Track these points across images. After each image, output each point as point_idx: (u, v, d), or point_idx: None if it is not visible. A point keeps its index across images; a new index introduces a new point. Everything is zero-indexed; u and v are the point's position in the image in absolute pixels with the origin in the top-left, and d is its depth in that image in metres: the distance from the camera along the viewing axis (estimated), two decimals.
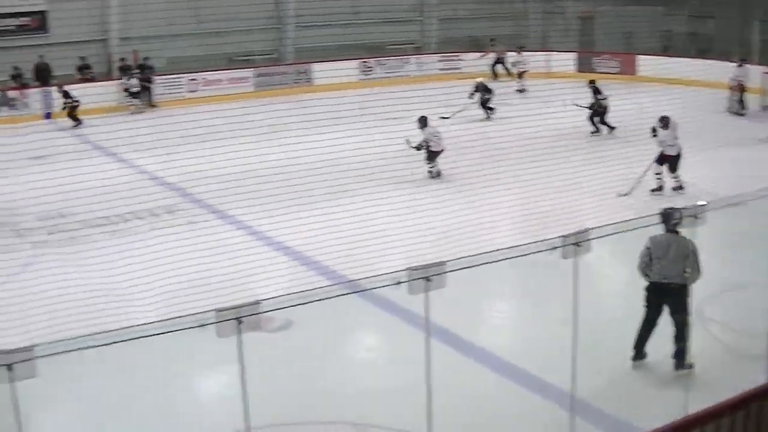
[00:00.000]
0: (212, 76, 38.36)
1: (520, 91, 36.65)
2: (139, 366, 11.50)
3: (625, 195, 20.23)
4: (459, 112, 29.15)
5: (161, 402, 11.64)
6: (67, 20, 34.69)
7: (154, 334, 8.89)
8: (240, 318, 8.38)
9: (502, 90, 33.80)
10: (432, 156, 22.93)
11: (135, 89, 35.55)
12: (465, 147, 22.40)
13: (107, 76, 37.57)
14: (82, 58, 37.04)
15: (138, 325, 11.74)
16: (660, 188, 20.84)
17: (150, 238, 16.91)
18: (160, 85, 37.17)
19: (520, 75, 37.78)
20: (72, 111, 32.84)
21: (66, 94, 32.86)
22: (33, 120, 32.64)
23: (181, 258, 15.08)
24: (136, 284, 14.61)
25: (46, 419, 11.24)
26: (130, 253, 15.71)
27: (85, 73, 36.94)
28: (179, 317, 9.48)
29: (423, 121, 23.07)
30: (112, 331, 10.58)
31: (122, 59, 37.78)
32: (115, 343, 8.62)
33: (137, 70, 36.84)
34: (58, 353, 8.45)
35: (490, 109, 30.76)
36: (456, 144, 22.80)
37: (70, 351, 8.59)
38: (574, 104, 26.49)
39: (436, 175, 22.93)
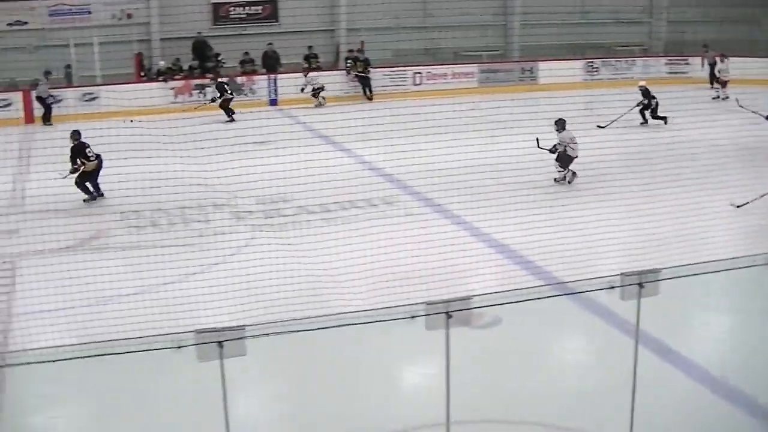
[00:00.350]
0: (437, 70, 38.44)
1: (724, 99, 34.32)
2: (346, 352, 11.49)
3: (737, 206, 18.72)
4: (615, 120, 27.82)
5: (363, 389, 11.61)
6: (296, 10, 35.38)
7: (363, 323, 8.88)
8: (450, 312, 8.28)
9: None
10: (564, 160, 21.80)
11: (317, 85, 35.35)
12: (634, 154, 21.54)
13: (333, 66, 38.08)
14: (310, 47, 37.64)
15: (347, 313, 11.80)
16: None
17: (366, 228, 16.94)
18: (385, 77, 37.49)
19: (723, 83, 35.86)
20: (225, 104, 32.88)
21: (220, 87, 33.12)
22: (259, 106, 33.39)
23: (394, 249, 15.09)
24: (349, 272, 14.69)
25: (250, 397, 11.34)
26: (345, 241, 15.75)
27: (311, 62, 37.49)
28: (389, 307, 9.42)
29: (561, 125, 21.92)
30: (321, 316, 10.63)
31: (350, 50, 38.20)
32: (323, 328, 8.63)
33: (349, 62, 37.16)
34: (268, 334, 8.53)
35: (657, 116, 29.16)
36: (626, 151, 21.93)
37: (280, 333, 8.65)
38: (741, 105, 24.66)
39: (564, 180, 21.84)
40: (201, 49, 36.84)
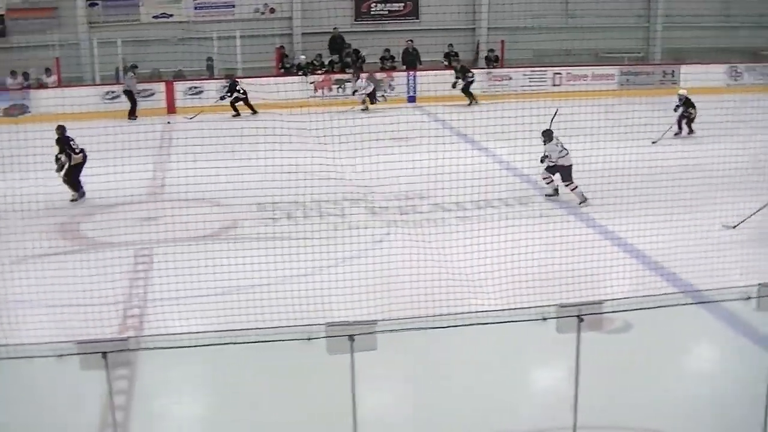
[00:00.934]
0: (578, 71, 38.03)
1: None
2: (475, 351, 11.42)
3: (732, 227, 17.62)
4: (666, 132, 26.67)
5: (491, 389, 11.50)
6: (437, 7, 35.39)
7: (494, 322, 8.83)
8: (581, 316, 8.20)
9: None
10: (563, 172, 20.66)
11: (364, 90, 34.27)
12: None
13: (472, 65, 37.98)
14: (450, 45, 37.56)
15: (479, 312, 11.73)
16: None
17: (500, 227, 16.81)
18: (525, 77, 37.26)
19: None
20: (235, 103, 33.20)
21: (232, 86, 33.13)
22: (397, 102, 33.48)
23: (528, 249, 14.98)
24: (482, 271, 14.63)
25: (378, 392, 11.34)
26: (479, 240, 15.67)
27: (452, 60, 37.39)
28: (521, 308, 9.34)
29: (547, 135, 20.82)
30: (453, 314, 10.60)
31: (491, 50, 38.07)
32: (454, 326, 8.61)
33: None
34: (399, 330, 8.53)
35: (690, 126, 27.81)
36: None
37: (411, 329, 8.64)
38: None
39: (557, 193, 20.91)
40: (337, 43, 37.11)
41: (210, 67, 36.39)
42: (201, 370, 12.00)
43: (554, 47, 37.95)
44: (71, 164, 21.35)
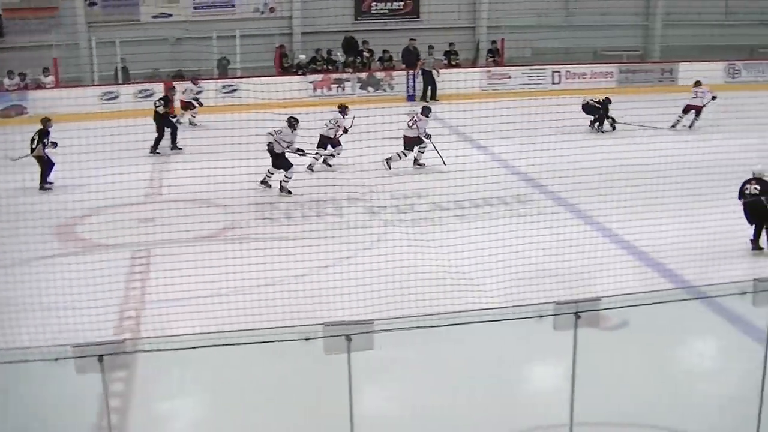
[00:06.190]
0: (577, 69, 37.92)
1: None
2: (473, 349, 11.40)
3: None
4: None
5: (488, 387, 11.49)
6: (438, 6, 35.37)
7: (491, 320, 8.83)
8: (578, 313, 8.22)
9: None
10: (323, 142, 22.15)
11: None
12: None
13: (472, 63, 37.96)
14: (451, 44, 37.48)
15: (476, 310, 11.71)
16: None
17: (498, 226, 16.78)
18: (524, 75, 37.18)
19: None
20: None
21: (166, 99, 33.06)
22: (396, 101, 33.36)
23: (525, 247, 14.96)
24: (479, 269, 14.63)
25: (375, 392, 11.35)
26: (477, 239, 15.64)
27: (452, 58, 37.30)
28: (518, 306, 9.33)
29: (341, 109, 22.35)
30: (450, 313, 10.58)
31: (493, 42, 38.01)
32: (452, 325, 8.61)
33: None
34: (397, 329, 8.52)
35: None
36: None
37: (408, 328, 8.64)
38: None
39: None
40: (352, 45, 37.02)
41: (222, 66, 36.32)
42: (199, 372, 11.99)
43: (554, 46, 37.91)
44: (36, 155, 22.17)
